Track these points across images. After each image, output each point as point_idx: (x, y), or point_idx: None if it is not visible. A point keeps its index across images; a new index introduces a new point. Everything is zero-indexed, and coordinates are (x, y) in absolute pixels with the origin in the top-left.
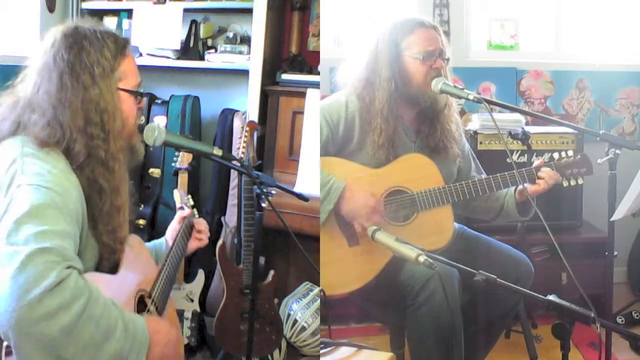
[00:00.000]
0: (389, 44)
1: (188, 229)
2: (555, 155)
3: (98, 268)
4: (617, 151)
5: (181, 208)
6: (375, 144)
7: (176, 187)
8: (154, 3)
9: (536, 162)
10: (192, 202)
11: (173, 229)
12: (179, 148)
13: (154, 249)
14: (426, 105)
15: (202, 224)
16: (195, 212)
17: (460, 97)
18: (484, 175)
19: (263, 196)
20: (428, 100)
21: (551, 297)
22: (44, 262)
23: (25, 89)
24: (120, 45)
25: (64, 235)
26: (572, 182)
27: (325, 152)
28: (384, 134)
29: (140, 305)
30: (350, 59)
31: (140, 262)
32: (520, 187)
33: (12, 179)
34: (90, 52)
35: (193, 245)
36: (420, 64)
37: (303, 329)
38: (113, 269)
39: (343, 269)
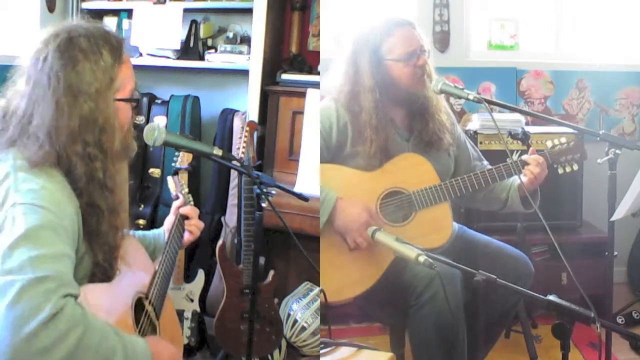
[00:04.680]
0: (368, 52)
1: (182, 223)
2: (549, 143)
3: (92, 276)
4: (617, 151)
5: (176, 197)
6: (366, 153)
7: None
8: (154, 3)
9: (530, 150)
10: (186, 189)
11: (170, 221)
12: (179, 148)
13: (152, 239)
14: (417, 106)
15: (188, 210)
16: (191, 199)
17: (460, 97)
18: (485, 162)
19: (263, 196)
20: (418, 101)
21: (551, 297)
22: (40, 293)
23: (18, 105)
24: (117, 53)
25: (60, 256)
26: (568, 169)
27: (321, 159)
28: (374, 144)
29: (138, 308)
30: (331, 70)
31: (137, 265)
32: (519, 182)
33: (6, 196)
34: (86, 67)
35: (186, 238)
36: (404, 66)
37: (303, 329)
38: (111, 277)
39: (344, 275)
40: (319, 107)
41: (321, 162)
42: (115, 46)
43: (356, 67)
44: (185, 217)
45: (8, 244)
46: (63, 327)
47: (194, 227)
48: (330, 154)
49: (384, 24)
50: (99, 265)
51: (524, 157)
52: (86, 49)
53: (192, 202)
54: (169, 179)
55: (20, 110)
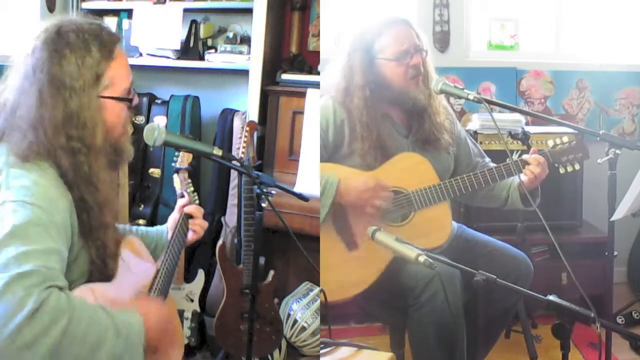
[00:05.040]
0: (361, 50)
1: (186, 222)
2: (550, 142)
3: (92, 276)
4: (617, 151)
5: (182, 195)
6: (361, 150)
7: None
8: (154, 3)
9: (530, 152)
10: (192, 187)
11: (174, 219)
12: (179, 148)
13: (155, 237)
14: (409, 106)
15: (192, 209)
16: (196, 197)
17: (460, 97)
18: (487, 159)
19: (263, 196)
20: (409, 102)
21: (551, 297)
22: (23, 289)
23: (7, 97)
24: (107, 49)
25: (48, 252)
26: (569, 169)
27: (320, 157)
28: (366, 141)
29: None
30: (329, 68)
31: (138, 264)
32: (519, 181)
33: None
34: (71, 62)
35: (190, 237)
36: (396, 65)
37: (303, 329)
38: (109, 276)
39: (344, 274)
40: (319, 103)
41: (320, 161)
42: (106, 42)
43: (350, 65)
44: (189, 216)
45: None
46: (46, 319)
47: (198, 227)
48: (328, 153)
49: (378, 23)
50: (93, 262)
51: (525, 156)
52: (73, 43)
53: (197, 201)
54: (175, 176)
55: (8, 102)
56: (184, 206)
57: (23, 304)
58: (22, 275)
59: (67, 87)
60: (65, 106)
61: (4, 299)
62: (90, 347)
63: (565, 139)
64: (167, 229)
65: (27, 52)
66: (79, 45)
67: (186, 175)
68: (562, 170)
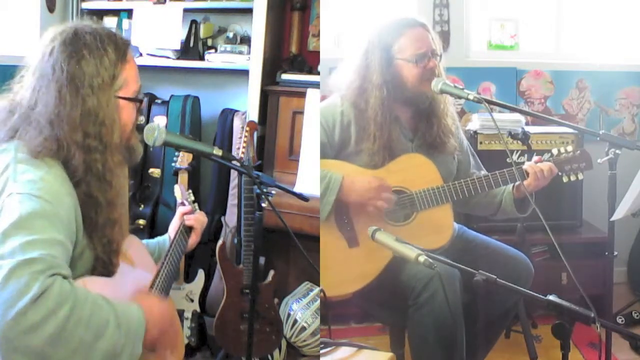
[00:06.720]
0: (379, 50)
1: (186, 229)
2: (555, 151)
3: (93, 270)
4: (617, 151)
5: (182, 204)
6: (370, 150)
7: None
8: (154, 3)
9: (535, 158)
10: (192, 197)
11: (175, 226)
12: (179, 148)
13: (156, 246)
14: (424, 107)
15: (192, 221)
16: (197, 207)
17: (460, 97)
18: (483, 172)
19: (263, 196)
20: (426, 102)
21: (551, 297)
22: (28, 274)
23: (23, 95)
24: (121, 52)
25: (52, 243)
26: (572, 178)
27: (323, 155)
28: (378, 141)
29: None
30: (342, 66)
31: (138, 263)
32: (517, 182)
33: (4, 187)
34: (89, 62)
35: (190, 242)
36: (413, 66)
37: (303, 329)
38: (111, 272)
39: (343, 270)
40: (324, 102)
41: (323, 158)
42: (120, 45)
43: (367, 64)
44: (190, 227)
45: (1, 230)
46: (51, 303)
47: (194, 220)
48: (333, 151)
49: (397, 23)
50: (98, 258)
51: (534, 164)
52: (90, 44)
53: (197, 210)
54: (176, 187)
55: (25, 101)
56: (184, 214)
57: (28, 288)
58: (27, 262)
59: (86, 86)
60: (84, 104)
61: (9, 284)
62: (93, 333)
63: (569, 148)
64: (168, 237)
65: (45, 52)
66: (96, 46)
67: (185, 176)
68: (565, 179)
